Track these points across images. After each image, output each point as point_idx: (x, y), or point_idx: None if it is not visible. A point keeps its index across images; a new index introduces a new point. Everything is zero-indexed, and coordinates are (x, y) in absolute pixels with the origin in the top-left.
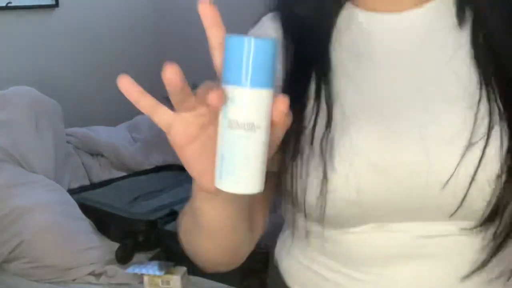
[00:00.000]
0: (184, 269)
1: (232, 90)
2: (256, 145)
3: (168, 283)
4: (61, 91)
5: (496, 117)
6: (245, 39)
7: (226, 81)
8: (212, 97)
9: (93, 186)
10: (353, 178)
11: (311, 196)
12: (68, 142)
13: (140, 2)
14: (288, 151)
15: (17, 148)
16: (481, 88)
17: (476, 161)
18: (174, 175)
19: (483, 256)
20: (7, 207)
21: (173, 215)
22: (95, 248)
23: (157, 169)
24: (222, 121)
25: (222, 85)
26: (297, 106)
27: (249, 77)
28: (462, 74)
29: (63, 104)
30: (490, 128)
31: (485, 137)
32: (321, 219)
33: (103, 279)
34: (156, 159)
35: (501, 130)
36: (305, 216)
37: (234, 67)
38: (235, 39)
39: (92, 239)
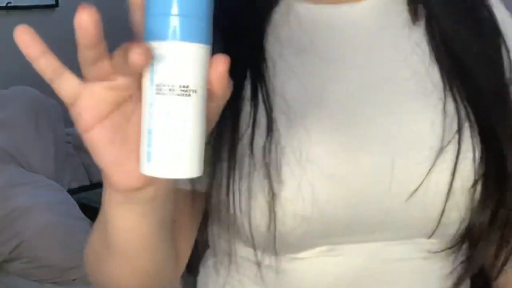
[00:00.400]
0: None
1: (159, 47)
2: (193, 114)
3: None
4: None
5: (463, 118)
6: None
7: (151, 37)
8: (135, 53)
9: (93, 186)
10: (305, 188)
11: (257, 215)
12: (68, 142)
13: None
14: (221, 166)
15: (17, 148)
16: (444, 88)
17: (449, 167)
18: None
19: (450, 282)
20: (7, 207)
21: None
22: None
23: None
24: (147, 88)
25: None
26: (230, 111)
27: (180, 28)
28: (420, 72)
29: (63, 104)
30: (460, 131)
31: (457, 141)
32: (268, 243)
33: None
34: None
35: (471, 134)
36: (252, 240)
37: (160, 18)
38: None
39: None
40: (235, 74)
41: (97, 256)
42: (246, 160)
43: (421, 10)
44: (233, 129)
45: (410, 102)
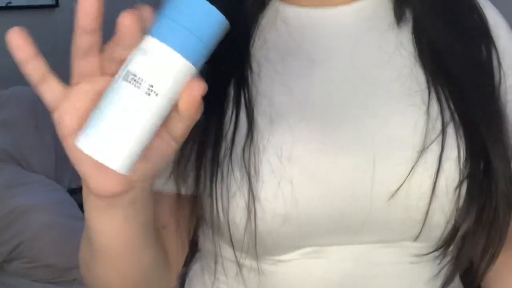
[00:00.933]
0: (184, 268)
1: (150, 42)
2: (142, 113)
3: None
4: None
5: (448, 118)
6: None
7: (150, 32)
8: (125, 15)
9: None
10: (285, 187)
11: (236, 214)
12: None
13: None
14: (206, 168)
15: (17, 148)
16: (429, 88)
17: (433, 168)
18: None
19: (438, 283)
20: (7, 207)
21: None
22: None
23: None
24: (119, 71)
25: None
26: (215, 115)
27: (176, 36)
28: (405, 73)
29: None
30: (444, 131)
31: (440, 141)
32: (248, 244)
33: None
34: None
35: (456, 134)
36: (231, 241)
37: (165, 20)
38: None
39: None
40: (220, 79)
41: (86, 262)
42: (226, 162)
43: (408, 13)
44: (216, 132)
45: (393, 103)
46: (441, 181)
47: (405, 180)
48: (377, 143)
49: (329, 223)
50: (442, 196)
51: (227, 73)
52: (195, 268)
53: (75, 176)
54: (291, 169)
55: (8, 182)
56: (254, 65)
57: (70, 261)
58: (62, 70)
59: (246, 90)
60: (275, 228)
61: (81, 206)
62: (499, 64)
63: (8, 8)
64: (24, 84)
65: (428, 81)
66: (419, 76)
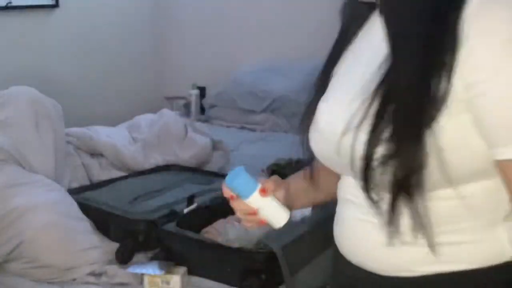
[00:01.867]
0: (184, 269)
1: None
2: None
3: (168, 283)
4: (61, 91)
5: (370, 114)
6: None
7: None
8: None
9: (93, 186)
10: (312, 137)
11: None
12: (68, 142)
13: (140, 3)
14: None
15: (17, 148)
16: (376, 89)
17: (350, 144)
18: (174, 175)
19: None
20: (7, 207)
21: (173, 215)
22: (95, 248)
23: (157, 169)
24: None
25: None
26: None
27: (252, 191)
28: (369, 72)
29: (63, 104)
30: (360, 122)
31: (356, 129)
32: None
33: (103, 279)
34: (156, 159)
35: (373, 126)
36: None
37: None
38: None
39: (92, 239)
40: (326, 68)
41: None
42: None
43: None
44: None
45: (343, 95)
46: (356, 153)
47: (338, 146)
48: (328, 117)
49: (331, 161)
50: (356, 159)
51: (327, 66)
52: None
53: (75, 176)
54: (314, 126)
55: (8, 182)
56: (338, 64)
57: (70, 261)
58: (64, 70)
59: (324, 81)
60: (320, 160)
61: (81, 206)
62: (448, 87)
63: (8, 8)
64: (24, 84)
65: (377, 84)
66: (376, 78)
